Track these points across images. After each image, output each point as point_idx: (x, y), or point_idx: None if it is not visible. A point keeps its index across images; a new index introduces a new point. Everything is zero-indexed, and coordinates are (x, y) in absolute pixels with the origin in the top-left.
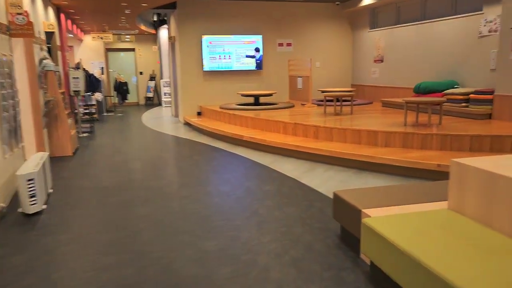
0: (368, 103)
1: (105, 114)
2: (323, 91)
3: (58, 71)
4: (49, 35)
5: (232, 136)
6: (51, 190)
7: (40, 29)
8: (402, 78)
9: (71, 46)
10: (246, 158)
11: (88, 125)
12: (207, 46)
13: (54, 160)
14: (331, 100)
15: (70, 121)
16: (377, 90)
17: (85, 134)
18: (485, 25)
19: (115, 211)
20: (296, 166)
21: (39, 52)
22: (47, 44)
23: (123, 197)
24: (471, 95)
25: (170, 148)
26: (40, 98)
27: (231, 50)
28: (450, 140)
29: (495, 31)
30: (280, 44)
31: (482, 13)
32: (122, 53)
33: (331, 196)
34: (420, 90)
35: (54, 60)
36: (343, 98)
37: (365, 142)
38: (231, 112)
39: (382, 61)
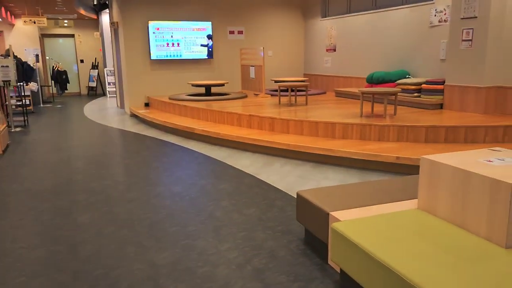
0: (322, 93)
1: (42, 105)
2: (276, 81)
3: None
4: None
5: (183, 129)
6: None
7: None
8: (355, 67)
9: (0, 32)
10: (199, 153)
11: (21, 118)
12: (154, 33)
13: None
14: (285, 90)
15: None
16: (329, 80)
17: (18, 129)
18: (435, 15)
19: (49, 220)
20: (252, 161)
21: None
22: None
23: (60, 203)
24: (423, 85)
25: (116, 143)
26: None
27: (179, 37)
28: (406, 131)
29: (445, 21)
30: (231, 32)
31: (433, 3)
32: (60, 40)
33: (291, 193)
34: (373, 80)
35: None
36: (297, 88)
37: (323, 134)
38: (181, 103)
39: (334, 50)
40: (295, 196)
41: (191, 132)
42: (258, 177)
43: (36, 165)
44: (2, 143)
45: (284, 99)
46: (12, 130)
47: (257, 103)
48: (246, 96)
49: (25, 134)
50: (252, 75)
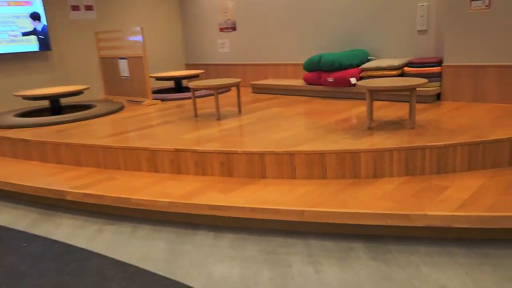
0: (225, 91)
1: None
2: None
3: None
4: None
5: (31, 193)
6: None
7: None
8: (269, 51)
9: None
10: (104, 255)
11: None
12: None
13: None
14: (171, 91)
15: None
16: (229, 70)
17: None
18: None
19: None
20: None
21: None
22: None
23: None
24: (406, 68)
25: None
26: None
27: None
28: (481, 151)
29: None
30: (75, 8)
31: None
32: None
33: None
34: (321, 66)
35: None
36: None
37: (303, 174)
38: (12, 134)
39: (233, 29)
40: None
41: (57, 198)
42: None
43: None
44: None
45: (191, 105)
46: None
47: (150, 116)
48: (122, 108)
49: None
50: (125, 72)
